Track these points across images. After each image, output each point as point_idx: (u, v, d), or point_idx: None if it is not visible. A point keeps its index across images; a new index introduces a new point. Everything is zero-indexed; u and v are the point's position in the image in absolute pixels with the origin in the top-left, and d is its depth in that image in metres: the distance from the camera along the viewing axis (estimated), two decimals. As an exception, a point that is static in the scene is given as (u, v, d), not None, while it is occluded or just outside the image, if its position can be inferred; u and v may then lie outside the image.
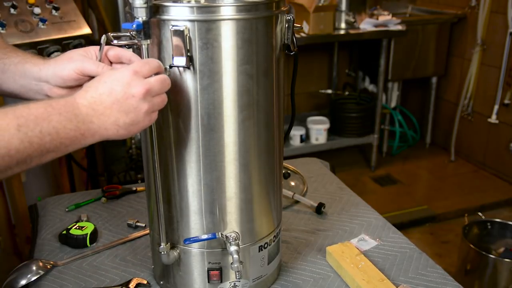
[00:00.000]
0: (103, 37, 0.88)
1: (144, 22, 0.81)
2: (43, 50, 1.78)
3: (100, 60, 0.90)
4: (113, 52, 0.90)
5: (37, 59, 0.92)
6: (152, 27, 0.84)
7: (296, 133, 3.36)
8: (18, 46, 1.68)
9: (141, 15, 0.80)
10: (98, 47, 0.90)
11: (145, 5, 0.80)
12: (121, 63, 0.90)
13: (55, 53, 1.80)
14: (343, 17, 3.28)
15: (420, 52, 3.64)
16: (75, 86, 0.89)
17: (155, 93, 0.80)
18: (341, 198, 1.45)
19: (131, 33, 0.83)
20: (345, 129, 3.54)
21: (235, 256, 0.92)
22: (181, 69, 0.85)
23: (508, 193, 3.34)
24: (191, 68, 0.84)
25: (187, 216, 0.95)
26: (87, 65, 0.87)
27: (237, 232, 0.96)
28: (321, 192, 1.49)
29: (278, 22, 0.90)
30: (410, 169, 3.72)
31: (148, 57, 0.84)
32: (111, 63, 0.91)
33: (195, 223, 0.95)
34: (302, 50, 3.33)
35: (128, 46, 0.88)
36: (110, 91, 0.77)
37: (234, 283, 1.00)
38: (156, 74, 0.81)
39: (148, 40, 0.83)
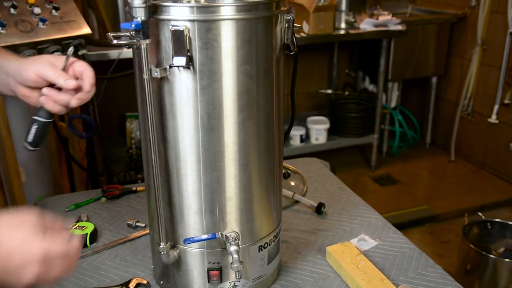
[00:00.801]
0: (70, 49, 0.94)
1: (143, 22, 0.80)
2: (43, 50, 1.78)
3: (63, 69, 0.94)
4: (79, 68, 0.94)
5: (10, 55, 0.97)
6: (152, 27, 0.84)
7: (296, 133, 3.36)
8: (18, 46, 1.69)
9: (139, 15, 0.80)
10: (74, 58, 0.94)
11: (144, 5, 0.80)
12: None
13: (55, 53, 1.80)
14: (343, 17, 3.28)
15: (420, 52, 3.64)
16: (35, 87, 0.93)
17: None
18: (341, 198, 1.45)
19: (130, 33, 0.83)
20: (345, 129, 3.54)
21: (235, 256, 0.92)
22: (181, 69, 0.85)
23: (508, 193, 3.34)
24: (191, 68, 0.84)
25: (187, 216, 0.95)
26: (48, 70, 0.91)
27: (237, 232, 0.96)
28: (321, 192, 1.49)
29: (278, 22, 0.90)
30: (410, 169, 3.73)
31: (147, 57, 0.84)
32: (76, 77, 0.95)
33: (195, 223, 0.95)
34: (302, 50, 3.33)
35: (128, 46, 0.88)
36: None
37: (234, 283, 1.00)
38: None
39: (147, 40, 0.83)
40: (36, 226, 0.73)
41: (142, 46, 0.83)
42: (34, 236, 0.72)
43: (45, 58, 0.95)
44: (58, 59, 0.95)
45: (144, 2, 0.80)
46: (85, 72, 0.95)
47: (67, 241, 0.75)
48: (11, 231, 0.72)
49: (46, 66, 0.91)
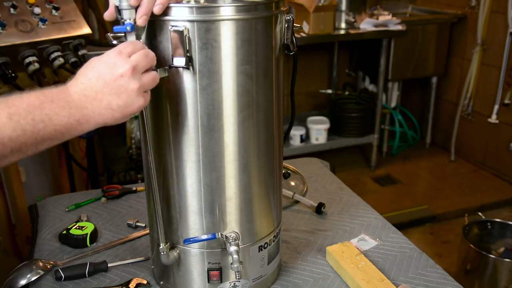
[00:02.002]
0: None
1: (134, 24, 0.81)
2: (43, 50, 1.78)
3: None
4: None
5: None
6: (152, 27, 0.84)
7: (296, 133, 3.36)
8: (18, 46, 1.69)
9: (130, 17, 0.80)
10: None
11: (133, 8, 0.80)
12: None
13: (55, 53, 1.80)
14: (343, 17, 3.28)
15: (420, 52, 3.64)
16: None
17: (142, 69, 0.79)
18: (341, 198, 1.45)
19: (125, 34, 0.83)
20: (345, 129, 3.53)
21: (235, 256, 0.92)
22: (180, 69, 0.85)
23: (508, 193, 3.34)
24: (191, 68, 0.84)
25: (186, 216, 0.95)
26: None
27: (237, 232, 0.96)
28: (321, 192, 1.49)
29: (278, 22, 0.90)
30: (410, 169, 3.72)
31: None
32: None
33: (194, 223, 0.95)
34: (302, 50, 3.34)
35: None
36: (98, 75, 0.77)
37: (234, 283, 1.00)
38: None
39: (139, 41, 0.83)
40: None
41: None
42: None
43: None
44: None
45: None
46: None
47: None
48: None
49: None
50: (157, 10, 0.80)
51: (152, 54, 0.81)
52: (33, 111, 0.72)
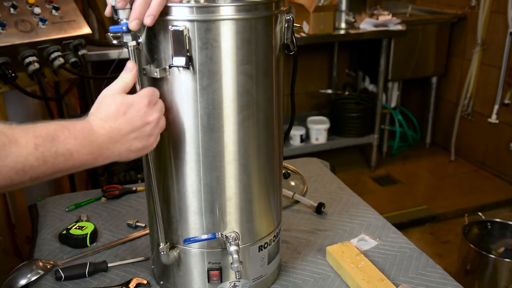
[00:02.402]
0: None
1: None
2: (43, 50, 1.78)
3: None
4: None
5: None
6: (152, 26, 0.84)
7: (296, 133, 3.36)
8: (18, 46, 1.69)
9: (126, 17, 0.81)
10: None
11: (128, 7, 0.80)
12: None
13: (55, 53, 1.80)
14: (343, 17, 3.28)
15: (420, 52, 3.64)
16: None
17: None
18: (341, 198, 1.45)
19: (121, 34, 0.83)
20: (345, 129, 3.53)
21: (235, 256, 0.92)
22: (180, 69, 0.85)
23: (508, 193, 3.34)
24: (191, 68, 0.84)
25: (186, 216, 0.95)
26: None
27: (237, 232, 0.96)
28: (321, 192, 1.49)
29: (278, 22, 0.90)
30: (410, 169, 3.72)
31: (135, 58, 0.85)
32: None
33: (194, 223, 0.95)
34: (302, 50, 3.33)
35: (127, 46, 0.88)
36: (129, 122, 0.81)
37: (234, 283, 1.00)
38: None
39: (134, 42, 0.84)
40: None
41: (130, 48, 0.84)
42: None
43: None
44: None
45: (130, 4, 0.80)
46: None
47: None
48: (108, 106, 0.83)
49: None
50: (148, 21, 0.81)
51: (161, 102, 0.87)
52: (57, 145, 0.74)
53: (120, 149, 0.82)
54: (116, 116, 0.81)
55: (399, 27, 3.23)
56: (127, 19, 0.81)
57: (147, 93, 0.84)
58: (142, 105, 0.82)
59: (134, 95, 0.84)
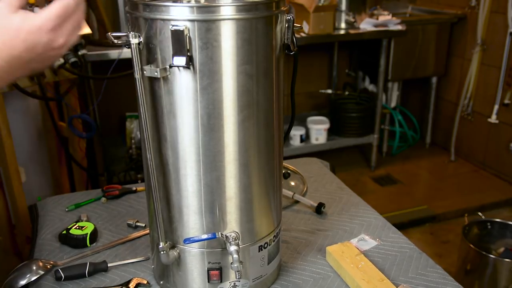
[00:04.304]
0: None
1: None
2: (43, 50, 1.78)
3: None
4: None
5: None
6: (152, 27, 0.84)
7: (296, 133, 3.36)
8: (18, 46, 1.68)
9: None
10: None
11: None
12: None
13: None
14: (343, 17, 3.28)
15: (420, 52, 3.64)
16: None
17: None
18: (341, 198, 1.45)
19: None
20: (345, 129, 3.54)
21: (235, 256, 0.92)
22: (181, 69, 0.85)
23: (508, 193, 3.34)
24: (191, 68, 0.84)
25: (186, 216, 0.95)
26: None
27: (237, 232, 0.96)
28: (321, 192, 1.49)
29: (278, 22, 0.90)
30: (410, 169, 3.72)
31: (137, 56, 0.85)
32: None
33: (194, 223, 0.95)
34: (302, 50, 3.34)
35: (128, 46, 0.88)
36: (30, 50, 0.75)
37: (234, 283, 1.00)
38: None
39: (136, 39, 0.84)
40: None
41: (132, 45, 0.84)
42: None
43: None
44: None
45: None
46: None
47: None
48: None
49: None
50: None
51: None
52: None
53: (20, 73, 0.77)
54: (14, 45, 0.74)
55: (399, 27, 3.24)
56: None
57: (52, 15, 0.75)
58: (45, 31, 0.74)
59: (36, 16, 0.75)
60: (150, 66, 0.86)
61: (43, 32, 0.75)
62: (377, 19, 3.28)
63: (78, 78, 2.13)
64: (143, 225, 1.29)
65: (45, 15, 0.76)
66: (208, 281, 0.99)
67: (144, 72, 0.87)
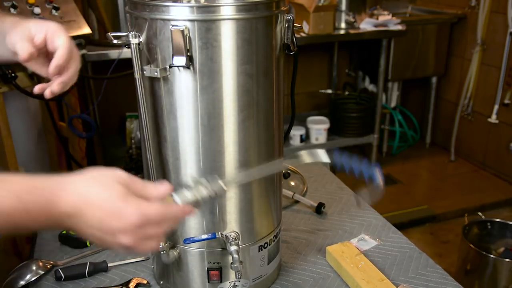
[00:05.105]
0: None
1: None
2: (43, 50, 1.78)
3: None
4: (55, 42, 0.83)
5: (7, 16, 0.89)
6: (152, 26, 0.84)
7: (296, 133, 3.36)
8: (18, 46, 1.68)
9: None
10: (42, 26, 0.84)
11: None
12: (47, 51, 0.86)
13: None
14: (343, 17, 3.28)
15: (420, 52, 3.64)
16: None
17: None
18: (341, 198, 1.45)
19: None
20: (345, 129, 3.53)
21: (235, 256, 0.92)
22: (181, 69, 0.85)
23: (508, 193, 3.34)
24: (191, 68, 0.84)
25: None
26: (20, 44, 0.82)
27: (237, 232, 0.96)
28: (321, 192, 1.49)
29: (278, 22, 0.90)
30: (410, 169, 3.72)
31: (137, 56, 0.85)
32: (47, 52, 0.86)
33: (195, 223, 0.95)
34: (302, 50, 3.33)
35: (128, 46, 0.88)
36: (104, 230, 0.66)
37: (234, 283, 1.00)
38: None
39: (137, 39, 0.84)
40: (127, 186, 0.67)
41: (132, 45, 0.84)
42: (127, 198, 0.66)
43: (24, 26, 0.84)
44: (39, 28, 0.83)
45: None
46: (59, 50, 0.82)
47: (163, 206, 0.69)
48: (99, 191, 0.66)
49: (21, 39, 0.81)
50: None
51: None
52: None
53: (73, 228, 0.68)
54: (96, 226, 0.66)
55: (399, 27, 3.23)
56: None
57: (145, 212, 0.66)
58: (126, 222, 0.65)
59: (131, 204, 0.66)
60: (150, 66, 0.86)
61: (123, 221, 0.66)
62: (377, 19, 3.28)
63: (78, 78, 2.13)
64: (143, 225, 1.29)
65: (139, 207, 0.66)
66: (208, 281, 0.99)
67: (144, 72, 0.87)
